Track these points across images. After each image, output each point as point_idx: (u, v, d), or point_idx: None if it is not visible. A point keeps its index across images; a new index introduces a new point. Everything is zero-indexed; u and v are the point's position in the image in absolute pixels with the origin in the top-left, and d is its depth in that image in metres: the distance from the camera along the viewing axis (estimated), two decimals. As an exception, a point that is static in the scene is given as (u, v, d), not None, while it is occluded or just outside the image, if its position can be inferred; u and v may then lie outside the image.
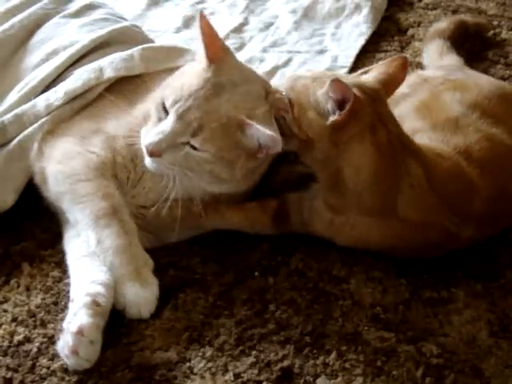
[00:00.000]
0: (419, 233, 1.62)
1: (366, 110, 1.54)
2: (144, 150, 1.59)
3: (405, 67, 1.63)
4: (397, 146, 1.58)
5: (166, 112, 1.59)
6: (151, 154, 1.57)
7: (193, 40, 2.43)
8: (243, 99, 1.60)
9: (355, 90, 1.53)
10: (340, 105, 1.52)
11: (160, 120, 1.60)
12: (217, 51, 1.63)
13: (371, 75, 1.62)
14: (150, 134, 1.58)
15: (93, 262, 1.56)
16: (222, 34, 2.41)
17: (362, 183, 1.58)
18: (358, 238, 1.64)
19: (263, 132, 1.54)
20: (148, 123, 1.62)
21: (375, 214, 1.60)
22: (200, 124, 1.55)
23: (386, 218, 1.60)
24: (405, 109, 1.80)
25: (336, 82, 1.50)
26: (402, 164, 1.58)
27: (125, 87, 1.78)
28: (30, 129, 1.73)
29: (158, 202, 1.66)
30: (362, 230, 1.62)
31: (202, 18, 1.62)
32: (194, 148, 1.57)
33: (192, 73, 1.63)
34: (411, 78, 2.00)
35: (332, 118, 1.54)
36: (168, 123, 1.57)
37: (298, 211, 1.70)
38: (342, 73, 1.71)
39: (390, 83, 1.62)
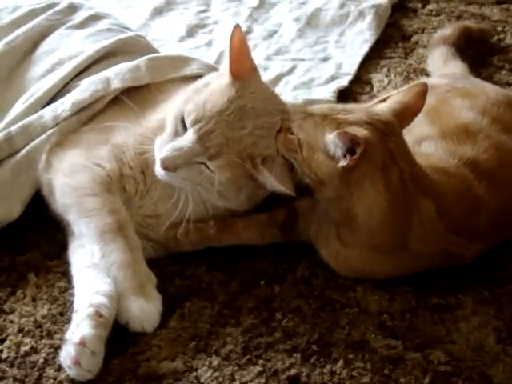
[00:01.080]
0: (426, 261, 1.61)
1: (376, 150, 1.50)
2: (157, 162, 1.59)
3: (424, 95, 1.57)
4: (409, 184, 1.54)
5: (185, 127, 1.59)
6: (165, 169, 1.57)
7: (198, 48, 2.45)
8: (263, 134, 1.60)
9: (366, 128, 1.49)
10: (350, 149, 1.47)
11: (177, 133, 1.59)
12: (243, 68, 1.62)
13: (387, 105, 1.57)
14: (167, 148, 1.58)
15: (96, 274, 1.56)
16: (225, 42, 2.44)
17: (375, 223, 1.55)
18: (362, 270, 1.62)
19: (275, 184, 1.57)
20: (163, 133, 1.62)
21: (385, 251, 1.59)
22: (219, 151, 1.56)
23: (395, 253, 1.59)
24: None
25: (342, 133, 1.47)
26: (413, 202, 1.55)
27: (131, 98, 1.77)
28: (38, 140, 1.74)
29: (166, 212, 1.67)
30: (369, 264, 1.61)
31: (237, 30, 1.60)
32: (208, 168, 1.57)
33: (216, 89, 1.61)
34: None
35: (342, 163, 1.49)
36: (187, 141, 1.57)
37: (306, 221, 1.69)
38: (353, 105, 1.62)
39: (407, 113, 1.57)
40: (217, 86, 1.62)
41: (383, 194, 1.53)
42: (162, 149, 1.59)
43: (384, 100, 1.60)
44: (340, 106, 1.64)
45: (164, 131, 1.63)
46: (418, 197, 1.55)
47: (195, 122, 1.57)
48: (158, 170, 1.60)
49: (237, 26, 1.61)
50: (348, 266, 1.63)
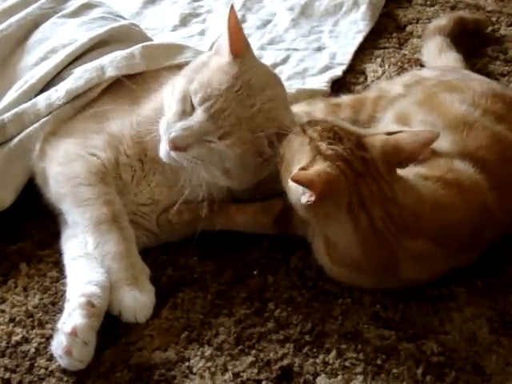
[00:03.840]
0: (420, 283, 1.59)
1: (340, 192, 1.45)
2: (165, 143, 1.58)
3: (427, 145, 1.49)
4: (385, 231, 1.49)
5: (193, 106, 1.58)
6: (176, 148, 1.56)
7: (191, 37, 2.45)
8: (272, 107, 1.60)
9: (339, 167, 1.45)
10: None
11: (185, 113, 1.58)
12: (240, 46, 1.62)
13: (383, 141, 1.49)
14: (176, 128, 1.56)
15: (89, 263, 1.56)
16: (219, 31, 2.43)
17: (354, 255, 1.53)
18: (354, 284, 1.60)
19: None
20: (168, 115, 1.60)
21: (374, 275, 1.57)
22: (231, 130, 1.56)
23: (385, 278, 1.57)
24: (405, 106, 1.79)
25: (295, 176, 1.43)
26: (394, 243, 1.50)
27: (125, 86, 1.76)
28: (31, 128, 1.73)
29: (163, 198, 1.67)
30: (360, 282, 1.59)
31: (232, 10, 1.60)
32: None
33: (216, 67, 1.61)
34: (406, 78, 1.99)
35: (303, 199, 1.44)
36: (197, 120, 1.56)
37: (304, 221, 1.64)
38: (353, 128, 1.55)
39: (403, 157, 1.50)
40: (216, 64, 1.62)
41: (353, 235, 1.49)
42: (171, 129, 1.57)
43: (391, 134, 1.51)
44: (339, 125, 1.56)
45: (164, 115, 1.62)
46: (403, 240, 1.50)
47: (203, 101, 1.56)
48: (166, 151, 1.58)
49: (232, 7, 1.60)
50: (340, 278, 1.60)
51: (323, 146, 1.49)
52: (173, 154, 1.57)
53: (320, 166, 1.46)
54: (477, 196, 1.58)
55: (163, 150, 1.59)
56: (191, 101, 1.58)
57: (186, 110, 1.58)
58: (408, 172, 1.55)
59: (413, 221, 1.51)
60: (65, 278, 1.59)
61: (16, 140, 1.73)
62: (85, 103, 1.76)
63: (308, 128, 1.54)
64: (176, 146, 1.56)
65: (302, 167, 1.46)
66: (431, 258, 1.54)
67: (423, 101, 1.77)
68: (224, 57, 1.61)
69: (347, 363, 1.46)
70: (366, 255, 1.52)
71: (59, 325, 1.46)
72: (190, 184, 1.61)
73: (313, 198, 1.43)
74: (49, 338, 1.48)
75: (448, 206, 1.55)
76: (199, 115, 1.56)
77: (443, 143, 1.62)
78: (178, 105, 1.60)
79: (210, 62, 1.64)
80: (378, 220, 1.48)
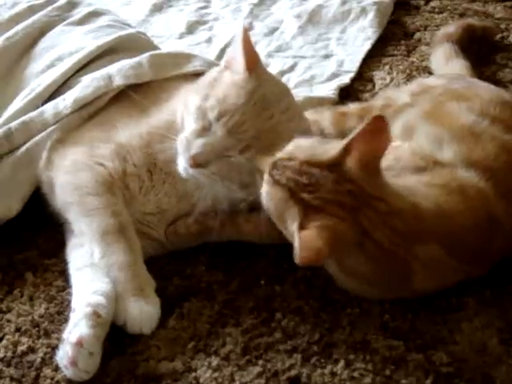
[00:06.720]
0: (430, 293, 1.58)
1: (346, 235, 1.42)
2: (185, 160, 1.58)
3: (382, 130, 1.42)
4: (393, 248, 1.46)
5: (210, 122, 1.58)
6: (197, 165, 1.56)
7: (198, 45, 2.45)
8: (288, 118, 1.61)
9: (335, 213, 1.41)
10: None
11: (203, 129, 1.58)
12: (254, 62, 1.63)
13: (353, 161, 1.43)
14: (197, 145, 1.56)
15: (95, 273, 1.55)
16: (226, 39, 2.44)
17: (364, 279, 1.52)
18: (366, 296, 1.59)
19: None
20: (185, 132, 1.60)
21: (385, 292, 1.56)
22: (250, 144, 1.56)
23: (398, 292, 1.56)
24: (411, 118, 1.77)
25: (302, 253, 1.39)
26: (406, 255, 1.48)
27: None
28: (38, 137, 1.72)
29: (168, 209, 1.68)
30: (371, 294, 1.58)
31: (243, 29, 1.62)
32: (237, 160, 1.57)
33: (231, 83, 1.61)
34: (413, 87, 1.98)
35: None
36: (217, 136, 1.56)
37: None
38: (324, 156, 1.45)
39: (373, 160, 1.45)
40: (230, 80, 1.62)
41: (364, 262, 1.48)
42: (191, 146, 1.57)
43: (348, 149, 1.44)
44: (304, 158, 1.47)
45: (176, 130, 1.62)
46: (411, 248, 1.48)
47: (221, 116, 1.57)
48: (186, 168, 1.58)
49: (244, 26, 1.63)
50: (351, 288, 1.59)
51: (306, 196, 1.44)
52: (191, 170, 1.57)
53: (317, 222, 1.41)
54: (482, 203, 1.56)
55: (182, 166, 1.59)
56: (208, 117, 1.58)
57: (205, 127, 1.58)
58: (408, 180, 1.54)
59: (415, 223, 1.48)
60: (71, 287, 1.58)
61: (23, 149, 1.72)
62: (92, 112, 1.76)
63: (277, 175, 1.48)
64: (198, 162, 1.56)
65: (299, 227, 1.41)
66: (442, 268, 1.53)
67: (430, 112, 1.75)
68: (238, 73, 1.62)
69: (355, 374, 1.45)
70: (380, 276, 1.51)
71: (65, 335, 1.45)
72: (202, 197, 1.62)
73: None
74: (55, 348, 1.48)
75: (452, 211, 1.53)
76: (218, 131, 1.56)
77: (449, 154, 1.62)
78: (195, 122, 1.60)
79: (222, 78, 1.64)
80: (384, 241, 1.46)
